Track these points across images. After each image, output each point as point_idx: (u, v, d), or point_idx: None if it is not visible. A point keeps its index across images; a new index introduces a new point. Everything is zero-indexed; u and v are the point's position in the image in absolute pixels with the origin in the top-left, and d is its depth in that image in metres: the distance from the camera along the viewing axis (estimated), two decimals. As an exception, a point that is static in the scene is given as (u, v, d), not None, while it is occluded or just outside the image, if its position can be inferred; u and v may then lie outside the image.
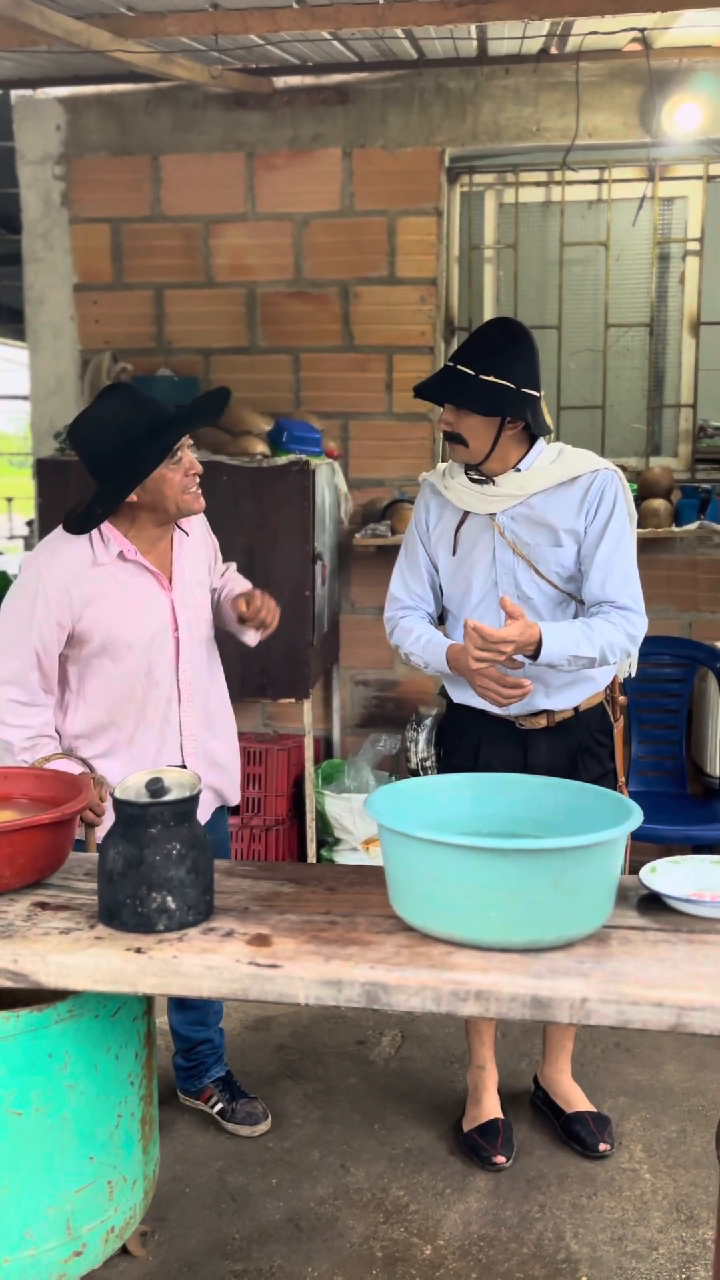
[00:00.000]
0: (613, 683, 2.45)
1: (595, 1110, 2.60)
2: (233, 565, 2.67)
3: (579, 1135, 2.52)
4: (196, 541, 2.46)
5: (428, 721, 2.48)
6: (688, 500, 3.99)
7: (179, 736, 2.38)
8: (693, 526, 3.94)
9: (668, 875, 1.80)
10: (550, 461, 2.30)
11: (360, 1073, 2.89)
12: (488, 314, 4.29)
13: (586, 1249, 2.23)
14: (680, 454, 4.29)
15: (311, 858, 3.80)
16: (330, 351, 4.17)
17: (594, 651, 2.20)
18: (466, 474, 2.32)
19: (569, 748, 2.35)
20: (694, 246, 4.12)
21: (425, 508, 2.42)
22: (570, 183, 4.09)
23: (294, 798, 3.94)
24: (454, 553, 2.37)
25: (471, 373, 2.21)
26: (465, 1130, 2.57)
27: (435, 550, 2.41)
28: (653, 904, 1.75)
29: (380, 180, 4.05)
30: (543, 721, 2.34)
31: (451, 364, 2.25)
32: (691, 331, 4.18)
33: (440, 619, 2.50)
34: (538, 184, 4.15)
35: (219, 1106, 2.66)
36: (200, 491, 2.30)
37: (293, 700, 3.68)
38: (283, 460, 3.60)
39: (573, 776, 2.23)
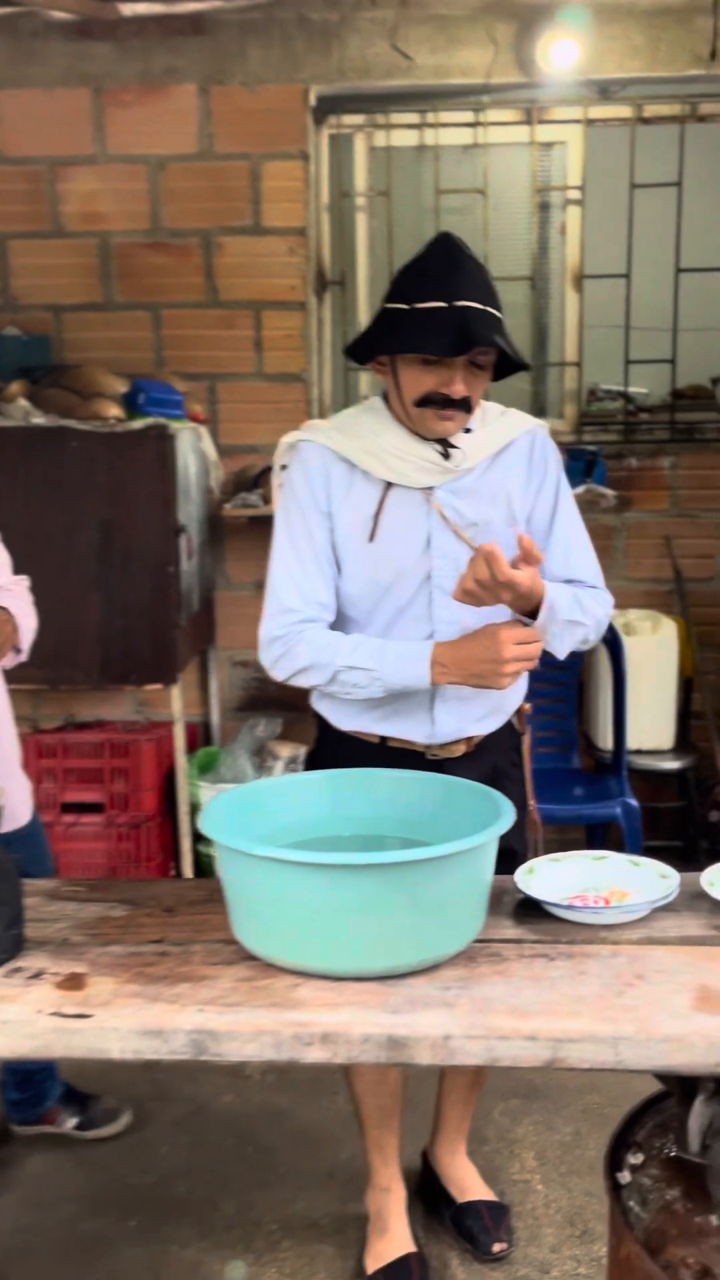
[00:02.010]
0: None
1: (492, 1200, 2.17)
2: (22, 581, 2.16)
3: (471, 1232, 2.10)
4: None
5: (300, 759, 2.11)
6: (574, 463, 3.81)
7: None
8: (579, 490, 3.77)
9: (546, 877, 1.60)
10: (478, 422, 1.87)
11: (235, 1089, 2.66)
12: (361, 266, 4.04)
13: (475, 1278, 2.05)
14: (566, 415, 4.12)
15: (186, 854, 3.54)
16: (193, 307, 3.86)
17: (589, 620, 1.84)
18: (444, 443, 1.81)
19: (484, 774, 1.88)
20: (575, 195, 3.93)
21: (322, 480, 1.84)
22: (444, 125, 3.85)
23: (165, 791, 3.67)
24: (370, 539, 1.85)
25: (497, 314, 1.78)
26: (370, 1273, 2.02)
27: (344, 536, 1.85)
28: (530, 909, 1.55)
29: (241, 120, 3.74)
30: (460, 749, 1.93)
31: (471, 303, 1.76)
32: (574, 285, 4.00)
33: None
34: (410, 126, 3.90)
35: (72, 1121, 2.44)
36: None
37: (160, 686, 3.41)
38: (138, 424, 3.30)
39: None
